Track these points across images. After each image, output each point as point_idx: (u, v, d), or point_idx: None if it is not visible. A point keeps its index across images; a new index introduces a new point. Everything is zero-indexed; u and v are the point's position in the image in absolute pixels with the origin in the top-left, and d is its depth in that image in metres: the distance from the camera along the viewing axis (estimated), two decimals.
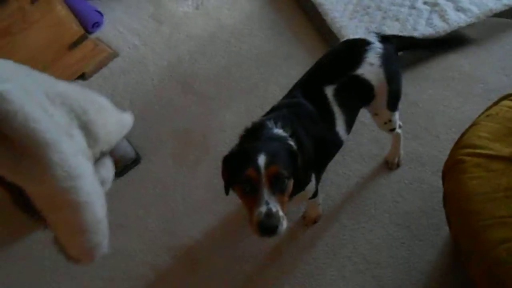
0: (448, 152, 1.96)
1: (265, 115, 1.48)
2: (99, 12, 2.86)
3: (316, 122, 1.44)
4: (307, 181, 1.38)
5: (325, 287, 1.73)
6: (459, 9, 2.28)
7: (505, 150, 1.31)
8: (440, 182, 1.84)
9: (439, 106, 2.12)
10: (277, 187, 1.16)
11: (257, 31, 2.67)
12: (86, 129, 1.25)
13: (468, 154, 1.36)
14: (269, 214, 1.11)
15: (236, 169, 1.19)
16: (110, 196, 2.06)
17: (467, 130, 1.48)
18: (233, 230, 1.94)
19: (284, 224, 1.14)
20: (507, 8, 2.24)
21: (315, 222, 1.87)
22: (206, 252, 1.90)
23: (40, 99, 1.08)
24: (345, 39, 1.64)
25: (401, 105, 2.11)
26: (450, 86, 2.18)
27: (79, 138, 1.24)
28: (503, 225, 1.20)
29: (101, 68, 2.67)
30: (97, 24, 2.83)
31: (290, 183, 1.21)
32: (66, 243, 1.08)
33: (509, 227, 1.19)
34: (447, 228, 1.76)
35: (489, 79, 2.16)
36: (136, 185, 2.15)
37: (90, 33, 2.78)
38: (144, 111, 2.42)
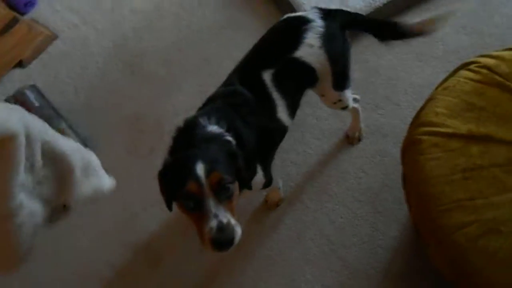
0: (409, 120, 1.89)
1: (201, 108, 1.36)
2: None
3: (255, 111, 1.32)
4: (252, 177, 1.28)
5: (290, 271, 1.69)
6: None
7: (462, 128, 1.24)
8: None
9: (399, 72, 2.02)
10: (223, 195, 1.06)
11: (207, 1, 2.47)
12: (60, 181, 1.10)
13: (425, 133, 1.29)
14: (221, 227, 1.01)
15: (174, 184, 1.07)
16: None
17: (424, 105, 1.40)
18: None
19: (239, 232, 1.06)
20: None
21: (277, 205, 1.81)
22: (167, 245, 1.82)
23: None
24: (285, 16, 1.49)
25: (360, 73, 2.03)
26: (409, 49, 2.07)
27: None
28: (461, 209, 1.15)
29: (40, 53, 2.44)
30: (30, 3, 2.55)
31: (236, 187, 1.12)
32: None
33: (467, 211, 1.14)
34: None
35: (449, 39, 2.07)
36: None
37: (23, 14, 2.51)
38: (91, 98, 2.24)
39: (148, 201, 1.92)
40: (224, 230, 1.02)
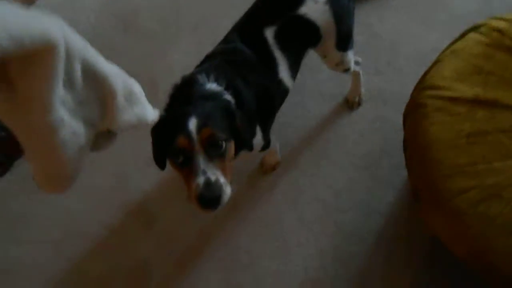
0: (410, 86, 1.86)
1: (199, 66, 1.30)
2: None
3: (256, 70, 1.27)
4: (251, 137, 1.25)
5: (285, 235, 1.69)
6: None
7: (468, 92, 1.21)
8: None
9: (402, 37, 1.97)
10: (214, 152, 1.02)
11: None
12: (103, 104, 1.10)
13: (430, 97, 1.25)
14: (208, 183, 0.98)
15: (166, 139, 1.04)
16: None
17: (430, 68, 1.36)
18: None
19: (228, 192, 1.02)
20: None
21: (273, 169, 1.78)
22: (160, 206, 1.80)
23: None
24: None
25: (363, 37, 1.97)
26: (414, 14, 2.01)
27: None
28: (463, 174, 1.13)
29: (29, 6, 2.31)
30: None
31: (231, 145, 1.08)
32: (38, 173, 1.00)
33: (468, 176, 1.13)
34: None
35: (456, 4, 2.00)
36: None
37: None
38: None
39: (141, 162, 1.88)
40: (211, 187, 0.98)
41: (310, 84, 1.92)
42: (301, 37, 1.35)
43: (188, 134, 1.00)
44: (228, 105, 1.11)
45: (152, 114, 1.27)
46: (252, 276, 1.62)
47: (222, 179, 1.01)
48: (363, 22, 1.99)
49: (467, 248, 1.15)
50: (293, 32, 1.30)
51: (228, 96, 1.12)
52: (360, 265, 1.60)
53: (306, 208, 1.72)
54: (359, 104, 1.84)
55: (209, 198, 0.98)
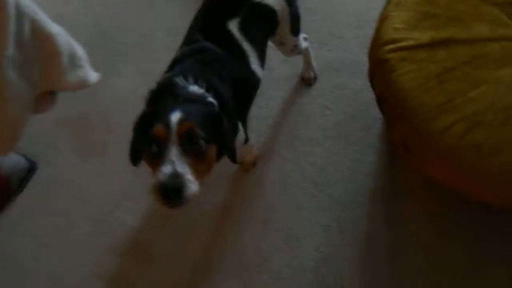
0: (356, 49, 1.95)
1: (167, 70, 1.25)
2: None
3: (229, 66, 1.24)
4: (234, 136, 1.21)
5: (286, 223, 1.68)
6: None
7: (424, 37, 1.28)
8: (359, 82, 1.85)
9: (334, 5, 2.04)
10: (190, 148, 0.96)
11: None
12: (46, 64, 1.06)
13: (390, 51, 1.31)
14: (173, 175, 0.90)
15: (144, 131, 0.99)
16: (21, 217, 1.73)
17: (379, 25, 1.41)
18: None
19: (192, 189, 0.93)
20: None
21: (254, 165, 1.77)
22: (152, 235, 1.72)
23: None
24: None
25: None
26: None
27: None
28: (443, 112, 1.20)
29: None
30: None
31: (211, 149, 1.03)
32: None
33: (449, 112, 1.20)
34: (378, 125, 1.80)
35: None
36: (44, 196, 1.80)
37: None
38: None
39: (118, 197, 1.78)
40: (175, 178, 0.90)
41: (264, 73, 1.92)
42: (263, 25, 1.35)
43: (167, 123, 0.95)
44: (215, 110, 1.07)
45: (93, 77, 1.23)
46: (268, 273, 1.60)
47: (189, 176, 0.93)
48: None
49: (464, 181, 1.23)
50: (255, 20, 1.29)
51: (210, 99, 1.09)
52: (366, 228, 1.65)
53: (297, 191, 1.73)
54: (315, 78, 1.88)
55: (170, 188, 0.90)
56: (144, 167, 1.63)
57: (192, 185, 0.94)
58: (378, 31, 1.41)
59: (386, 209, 1.67)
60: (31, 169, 1.83)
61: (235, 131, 1.24)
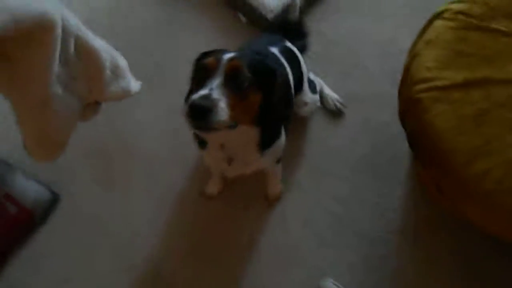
0: (381, 80, 1.92)
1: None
2: None
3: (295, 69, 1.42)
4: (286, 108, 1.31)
5: (310, 260, 1.64)
6: None
7: (458, 77, 1.25)
8: (385, 114, 1.81)
9: (358, 36, 2.02)
10: (233, 84, 0.98)
11: (139, 1, 2.27)
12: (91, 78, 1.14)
13: (423, 90, 1.28)
14: (207, 97, 0.92)
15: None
16: (42, 250, 1.72)
17: (409, 63, 1.39)
18: (198, 236, 1.73)
19: (221, 115, 0.92)
20: None
21: (278, 199, 1.74)
22: (174, 269, 1.68)
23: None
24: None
25: (321, 46, 2.02)
26: (360, 11, 2.08)
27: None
28: (481, 156, 1.16)
29: None
30: None
31: (253, 94, 1.03)
32: (30, 139, 1.06)
33: (486, 156, 1.16)
34: (405, 159, 1.76)
35: None
36: (66, 227, 1.79)
37: None
38: None
39: (140, 229, 1.75)
40: (206, 99, 0.92)
41: None
42: (295, 67, 1.37)
43: (218, 58, 1.00)
44: (272, 64, 1.11)
45: (135, 86, 1.29)
46: None
47: (222, 104, 0.93)
48: (316, 31, 2.01)
49: (503, 225, 1.18)
50: (291, 57, 1.39)
51: (283, 60, 1.21)
52: (392, 266, 1.60)
53: (321, 227, 1.69)
54: (344, 106, 1.85)
55: (199, 107, 0.90)
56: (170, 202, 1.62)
57: (222, 112, 0.93)
58: (408, 68, 1.38)
59: (414, 247, 1.62)
60: (54, 200, 1.82)
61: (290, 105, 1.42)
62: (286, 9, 1.86)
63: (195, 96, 0.92)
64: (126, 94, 1.22)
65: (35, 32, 0.82)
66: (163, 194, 1.79)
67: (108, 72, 1.12)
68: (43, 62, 0.89)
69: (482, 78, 1.23)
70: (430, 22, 1.42)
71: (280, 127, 1.29)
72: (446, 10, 1.38)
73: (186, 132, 1.85)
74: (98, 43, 1.08)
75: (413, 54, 1.39)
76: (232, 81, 0.98)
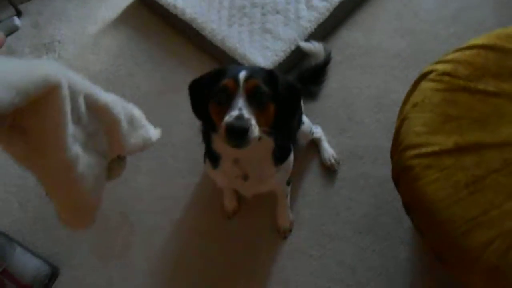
0: (378, 133, 1.89)
1: None
2: None
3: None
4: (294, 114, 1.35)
5: None
6: None
7: (448, 142, 1.21)
8: (384, 170, 1.76)
9: (352, 90, 2.01)
10: (255, 101, 1.09)
11: (134, 68, 2.33)
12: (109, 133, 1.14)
13: (413, 157, 1.24)
14: (240, 117, 1.03)
15: (211, 85, 1.13)
16: None
17: (399, 125, 1.36)
18: None
19: (255, 132, 1.05)
20: None
21: (290, 231, 1.74)
22: None
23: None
24: None
25: (315, 102, 2.01)
26: (353, 64, 2.08)
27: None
28: (479, 226, 1.10)
29: None
30: None
31: (270, 105, 1.13)
32: (63, 210, 1.05)
33: (486, 226, 1.10)
34: (406, 218, 1.68)
35: (387, 45, 2.10)
36: None
37: None
38: (41, 210, 2.00)
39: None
40: (241, 120, 1.03)
41: None
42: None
43: (235, 78, 1.09)
44: (272, 70, 1.20)
45: (154, 134, 1.29)
46: None
47: (253, 121, 1.05)
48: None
49: None
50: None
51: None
52: None
53: None
54: (338, 163, 1.82)
55: (237, 127, 1.02)
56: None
57: (256, 129, 1.06)
58: (398, 132, 1.35)
59: None
60: (53, 274, 1.81)
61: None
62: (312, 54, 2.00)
63: (229, 118, 1.03)
64: (147, 142, 1.22)
65: (41, 97, 0.83)
66: (163, 265, 1.76)
67: (124, 124, 1.13)
68: (56, 125, 0.89)
69: (473, 142, 1.19)
70: (416, 83, 1.40)
71: (289, 142, 1.43)
72: (431, 71, 1.36)
73: (186, 200, 1.86)
74: (109, 97, 1.09)
75: (402, 118, 1.36)
76: (254, 98, 1.09)
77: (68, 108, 0.92)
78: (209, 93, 1.14)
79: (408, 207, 1.30)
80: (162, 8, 2.31)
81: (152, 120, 2.01)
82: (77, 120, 0.98)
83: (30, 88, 0.79)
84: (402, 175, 1.27)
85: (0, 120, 0.78)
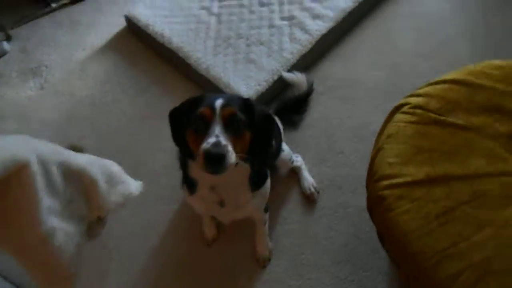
0: (357, 164, 1.92)
1: None
2: None
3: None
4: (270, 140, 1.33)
5: None
6: (315, 16, 2.24)
7: (419, 173, 1.24)
8: (362, 199, 1.76)
9: (332, 120, 2.05)
10: (231, 128, 1.12)
11: (120, 94, 2.35)
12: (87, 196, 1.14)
13: (386, 187, 1.26)
14: (217, 144, 1.06)
15: (188, 113, 1.15)
16: None
17: (374, 156, 1.39)
18: None
19: (232, 159, 1.08)
20: (357, 4, 2.26)
21: (269, 260, 1.72)
22: None
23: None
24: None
25: (296, 132, 2.03)
26: (334, 95, 2.13)
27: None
28: (449, 258, 1.12)
29: None
30: None
31: (246, 133, 1.16)
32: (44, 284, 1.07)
33: (455, 258, 1.11)
34: None
35: (366, 78, 2.16)
36: None
37: None
38: None
39: None
40: (218, 147, 1.06)
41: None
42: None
43: (212, 106, 1.11)
44: (248, 99, 1.23)
45: (136, 186, 1.26)
46: None
47: (230, 148, 1.08)
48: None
49: None
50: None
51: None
52: None
53: None
54: (317, 192, 1.84)
55: (214, 154, 1.05)
56: None
57: (232, 155, 1.08)
58: (373, 162, 1.38)
59: None
60: None
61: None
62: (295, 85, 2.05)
63: (206, 145, 1.06)
64: (127, 197, 1.22)
65: (11, 177, 0.83)
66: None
67: (102, 184, 1.12)
68: (29, 201, 0.89)
69: (443, 174, 1.22)
70: (391, 115, 1.44)
71: (266, 168, 1.44)
72: (405, 104, 1.41)
73: (166, 226, 1.83)
74: (83, 160, 1.09)
75: (377, 148, 1.39)
76: (230, 125, 1.12)
77: (40, 184, 0.91)
78: (187, 121, 1.16)
79: (382, 238, 1.32)
80: (149, 36, 2.37)
81: (135, 145, 2.03)
82: (53, 193, 0.98)
83: None
84: (376, 205, 1.28)
85: None
